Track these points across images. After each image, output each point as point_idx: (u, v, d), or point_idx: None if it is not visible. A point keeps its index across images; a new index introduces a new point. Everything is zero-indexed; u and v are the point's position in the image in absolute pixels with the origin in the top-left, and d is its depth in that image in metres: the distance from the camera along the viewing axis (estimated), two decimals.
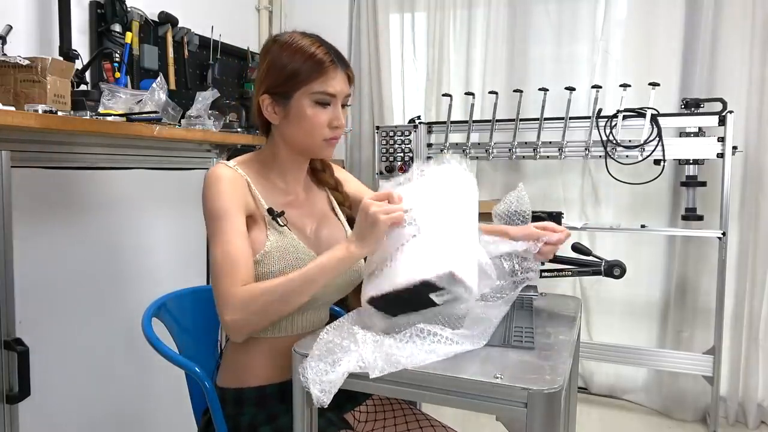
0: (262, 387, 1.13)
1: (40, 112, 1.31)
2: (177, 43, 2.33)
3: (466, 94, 2.72)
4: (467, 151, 2.69)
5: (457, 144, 2.74)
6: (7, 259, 1.29)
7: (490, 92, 2.64)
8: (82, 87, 1.73)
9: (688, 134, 2.41)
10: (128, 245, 1.88)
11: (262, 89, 1.15)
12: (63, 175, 1.64)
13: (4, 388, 1.29)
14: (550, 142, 2.56)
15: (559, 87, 2.56)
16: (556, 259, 1.32)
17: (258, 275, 1.09)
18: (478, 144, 2.69)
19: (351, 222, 1.28)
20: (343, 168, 1.44)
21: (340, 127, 1.15)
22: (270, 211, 1.12)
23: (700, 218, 2.41)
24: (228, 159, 1.24)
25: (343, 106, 1.16)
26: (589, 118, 2.50)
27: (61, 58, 1.67)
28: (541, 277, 1.33)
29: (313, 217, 1.23)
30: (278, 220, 1.12)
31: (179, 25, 2.31)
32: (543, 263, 1.32)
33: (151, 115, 1.65)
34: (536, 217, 1.27)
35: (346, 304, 1.34)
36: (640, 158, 2.41)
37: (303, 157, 1.22)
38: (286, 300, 1.03)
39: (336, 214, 1.29)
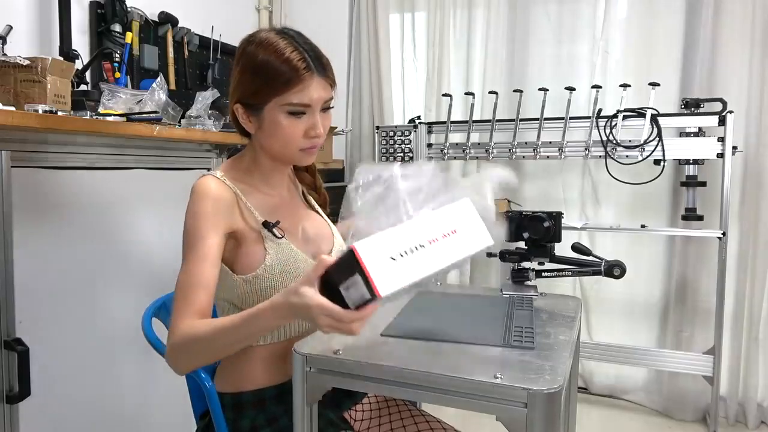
0: (261, 390, 1.12)
1: (40, 112, 1.31)
2: (177, 43, 2.33)
3: (466, 94, 2.72)
4: (467, 151, 2.69)
5: (457, 144, 2.73)
6: (7, 259, 1.29)
7: (490, 92, 2.64)
8: (82, 87, 1.74)
9: (688, 134, 2.41)
10: (128, 245, 1.88)
11: (235, 98, 1.10)
12: (63, 175, 1.64)
13: (4, 388, 1.29)
14: (550, 142, 2.56)
15: (559, 87, 2.56)
16: (556, 259, 1.32)
17: (259, 289, 1.08)
18: (478, 144, 2.69)
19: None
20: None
21: (318, 136, 1.08)
22: (266, 224, 1.09)
23: (700, 218, 2.41)
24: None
25: (325, 109, 1.10)
26: (589, 118, 2.50)
27: (61, 58, 1.68)
28: (541, 277, 1.33)
29: (298, 216, 1.21)
30: (275, 232, 1.09)
31: (179, 25, 2.32)
32: (542, 263, 1.32)
33: (151, 115, 1.65)
34: (536, 216, 1.27)
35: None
36: (640, 158, 2.41)
37: (283, 164, 1.19)
38: (214, 352, 1.00)
39: (314, 209, 1.29)
